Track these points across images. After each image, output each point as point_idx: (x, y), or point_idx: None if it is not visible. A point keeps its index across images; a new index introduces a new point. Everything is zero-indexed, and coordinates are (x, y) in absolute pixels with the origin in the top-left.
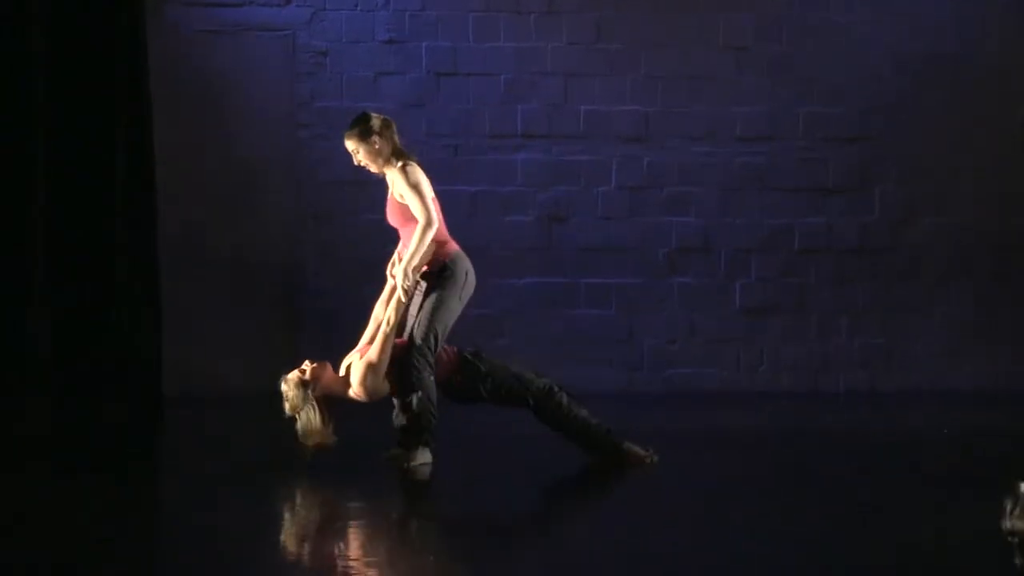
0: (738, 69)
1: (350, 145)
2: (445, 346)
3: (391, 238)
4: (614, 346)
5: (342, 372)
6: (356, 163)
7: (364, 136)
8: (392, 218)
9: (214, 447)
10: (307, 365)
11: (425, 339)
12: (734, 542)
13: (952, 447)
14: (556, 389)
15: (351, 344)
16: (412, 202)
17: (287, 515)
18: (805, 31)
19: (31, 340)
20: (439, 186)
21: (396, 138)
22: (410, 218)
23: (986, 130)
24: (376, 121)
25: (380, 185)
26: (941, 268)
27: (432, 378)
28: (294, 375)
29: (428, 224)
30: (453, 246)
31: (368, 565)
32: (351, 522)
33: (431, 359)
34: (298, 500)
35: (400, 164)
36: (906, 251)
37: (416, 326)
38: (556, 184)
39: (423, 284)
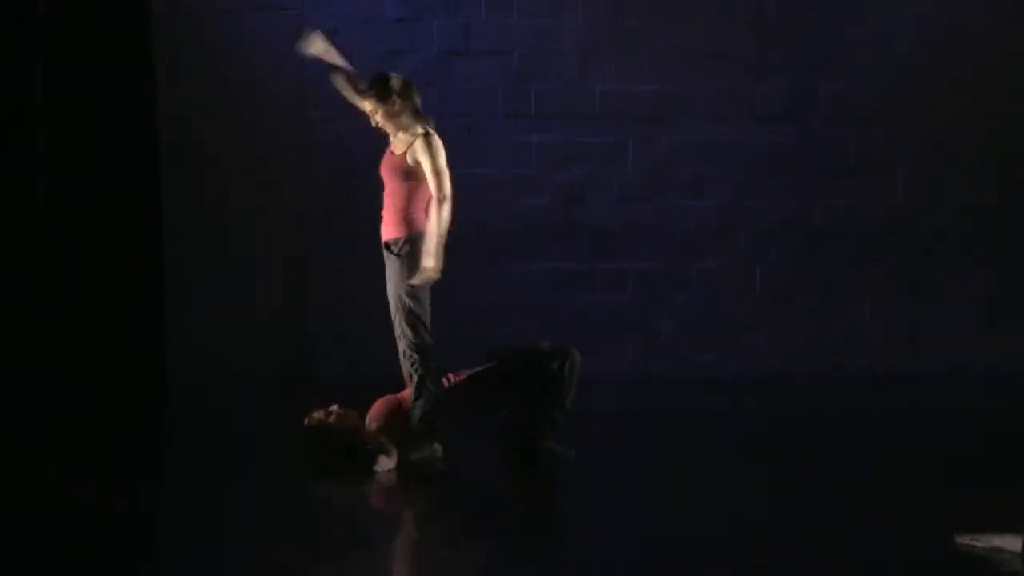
0: (758, 46)
1: (368, 106)
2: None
3: None
4: (631, 331)
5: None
6: (374, 124)
7: (382, 97)
8: (387, 172)
9: (218, 430)
10: (334, 409)
11: (414, 332)
12: (745, 527)
13: (977, 434)
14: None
15: (357, 325)
16: (432, 176)
17: (288, 505)
18: (826, 7)
19: (33, 321)
20: (451, 168)
21: (417, 101)
22: (404, 177)
23: (1012, 109)
24: (395, 82)
25: None
26: (966, 249)
27: (433, 365)
28: (319, 418)
29: (444, 199)
30: (421, 224)
31: (370, 555)
32: (354, 514)
33: (427, 348)
34: (300, 490)
35: (423, 133)
36: (930, 232)
37: (399, 325)
38: (572, 165)
39: (392, 260)
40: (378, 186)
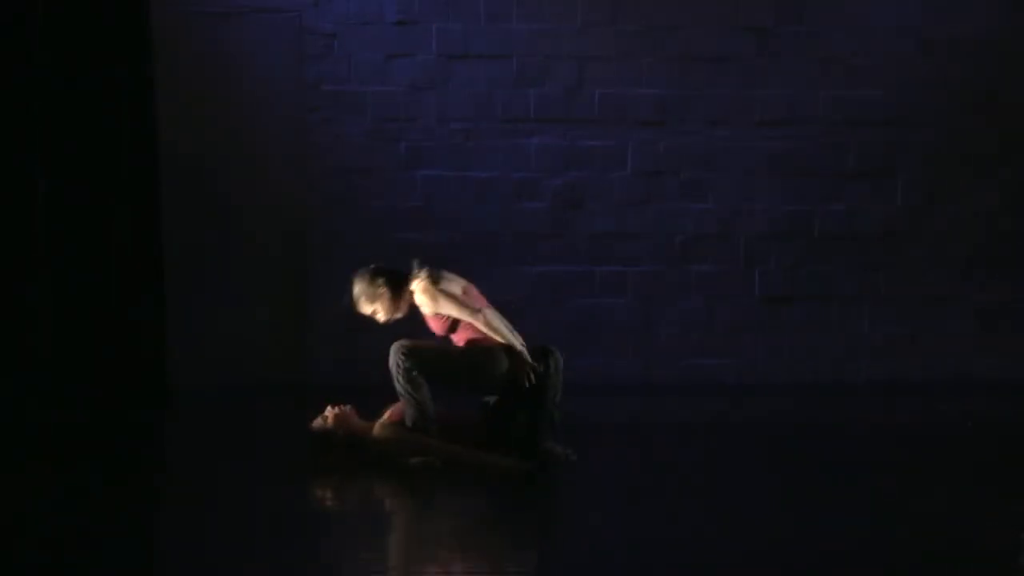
0: (758, 51)
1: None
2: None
3: (399, 226)
4: (629, 335)
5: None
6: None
7: (370, 298)
8: (436, 329)
9: (218, 431)
10: (329, 412)
11: (409, 355)
12: (743, 530)
13: (977, 440)
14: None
15: (356, 327)
16: (449, 310)
17: (288, 505)
18: (827, 11)
19: (33, 321)
20: (450, 172)
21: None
22: (450, 326)
23: (1012, 113)
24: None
25: (390, 172)
26: (966, 255)
27: (416, 375)
28: (319, 425)
29: (476, 312)
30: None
31: (369, 555)
32: (354, 514)
33: (409, 363)
34: (300, 490)
35: (413, 288)
36: (931, 237)
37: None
38: (570, 169)
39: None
40: (377, 187)
